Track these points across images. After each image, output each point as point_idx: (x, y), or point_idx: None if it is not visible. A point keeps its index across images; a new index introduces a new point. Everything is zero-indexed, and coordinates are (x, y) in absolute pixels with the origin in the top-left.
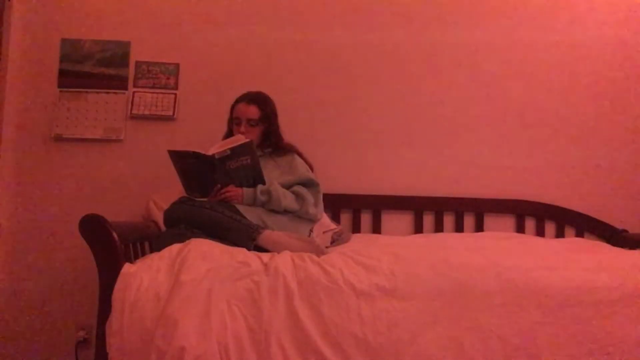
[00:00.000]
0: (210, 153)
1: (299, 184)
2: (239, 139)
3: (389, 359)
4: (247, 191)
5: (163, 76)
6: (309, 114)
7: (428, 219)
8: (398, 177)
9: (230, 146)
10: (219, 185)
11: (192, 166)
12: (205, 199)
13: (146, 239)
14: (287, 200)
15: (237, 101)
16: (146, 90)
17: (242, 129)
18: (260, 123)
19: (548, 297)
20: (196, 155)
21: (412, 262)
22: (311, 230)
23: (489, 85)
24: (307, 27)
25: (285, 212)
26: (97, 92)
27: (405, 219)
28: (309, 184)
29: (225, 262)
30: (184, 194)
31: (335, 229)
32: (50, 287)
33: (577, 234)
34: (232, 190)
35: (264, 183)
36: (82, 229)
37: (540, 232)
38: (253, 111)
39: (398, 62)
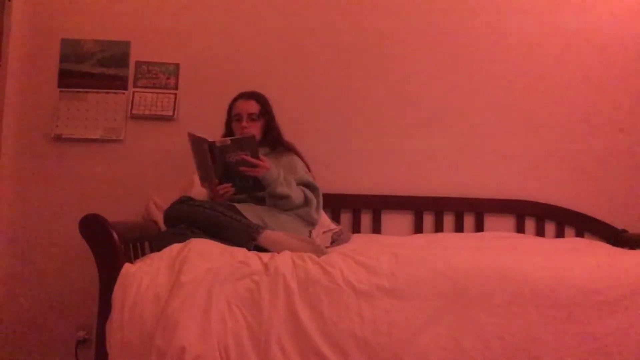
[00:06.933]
0: (212, 140)
1: (299, 185)
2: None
3: (388, 359)
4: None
5: (163, 76)
6: (309, 114)
7: (428, 219)
8: (398, 177)
9: (232, 137)
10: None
11: (202, 152)
12: (212, 190)
13: (146, 239)
14: (297, 192)
15: (235, 99)
16: (146, 90)
17: (244, 123)
18: (261, 117)
19: (548, 297)
20: (204, 141)
21: (412, 262)
22: (311, 231)
23: (490, 85)
24: (307, 28)
25: (288, 207)
26: (97, 92)
27: (405, 219)
28: (311, 188)
29: (225, 262)
30: (184, 194)
31: (335, 229)
32: (50, 287)
33: (577, 234)
34: (261, 163)
35: (262, 183)
36: (82, 229)
37: (540, 232)
38: (253, 105)
39: (399, 63)
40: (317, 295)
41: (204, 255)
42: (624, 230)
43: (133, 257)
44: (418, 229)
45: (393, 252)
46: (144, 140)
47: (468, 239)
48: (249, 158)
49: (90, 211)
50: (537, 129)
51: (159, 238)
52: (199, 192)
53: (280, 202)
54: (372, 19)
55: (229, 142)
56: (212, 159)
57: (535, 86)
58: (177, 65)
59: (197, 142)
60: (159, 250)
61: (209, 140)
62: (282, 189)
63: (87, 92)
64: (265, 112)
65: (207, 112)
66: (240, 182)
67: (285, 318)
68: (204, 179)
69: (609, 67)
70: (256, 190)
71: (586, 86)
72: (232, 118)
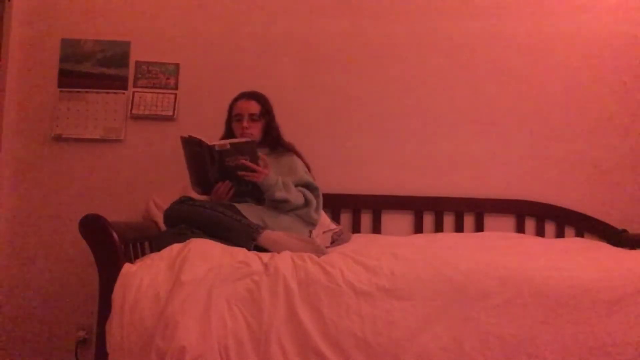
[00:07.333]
0: (211, 143)
1: (299, 185)
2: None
3: (388, 358)
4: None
5: (163, 76)
6: (309, 114)
7: (428, 219)
8: (398, 177)
9: (231, 141)
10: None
11: (197, 155)
12: (206, 196)
13: (146, 239)
14: (297, 195)
15: (236, 99)
16: (146, 90)
17: (245, 123)
18: (262, 117)
19: (548, 297)
20: (200, 143)
21: (412, 262)
22: (311, 231)
23: (489, 85)
24: (307, 27)
25: (287, 209)
26: (97, 92)
27: (405, 219)
28: (310, 188)
29: (225, 262)
30: (184, 194)
31: (335, 229)
32: (50, 287)
33: (577, 234)
34: (260, 169)
35: (260, 188)
36: (82, 229)
37: (540, 232)
38: (254, 106)
39: (398, 63)
40: (317, 295)
41: (204, 255)
42: (624, 230)
43: (133, 257)
44: (418, 229)
45: (393, 252)
46: (144, 140)
47: (468, 239)
48: (248, 163)
49: (90, 211)
50: (537, 129)
51: (159, 238)
52: None
53: (279, 205)
54: (373, 20)
55: (228, 146)
56: (210, 162)
57: (535, 87)
58: (177, 65)
59: (193, 145)
60: (159, 250)
61: (208, 143)
62: (280, 194)
63: (87, 92)
64: (266, 112)
65: (207, 112)
66: (238, 186)
67: (286, 318)
68: (196, 184)
69: (609, 68)
70: (255, 194)
71: (586, 87)
72: (232, 118)
